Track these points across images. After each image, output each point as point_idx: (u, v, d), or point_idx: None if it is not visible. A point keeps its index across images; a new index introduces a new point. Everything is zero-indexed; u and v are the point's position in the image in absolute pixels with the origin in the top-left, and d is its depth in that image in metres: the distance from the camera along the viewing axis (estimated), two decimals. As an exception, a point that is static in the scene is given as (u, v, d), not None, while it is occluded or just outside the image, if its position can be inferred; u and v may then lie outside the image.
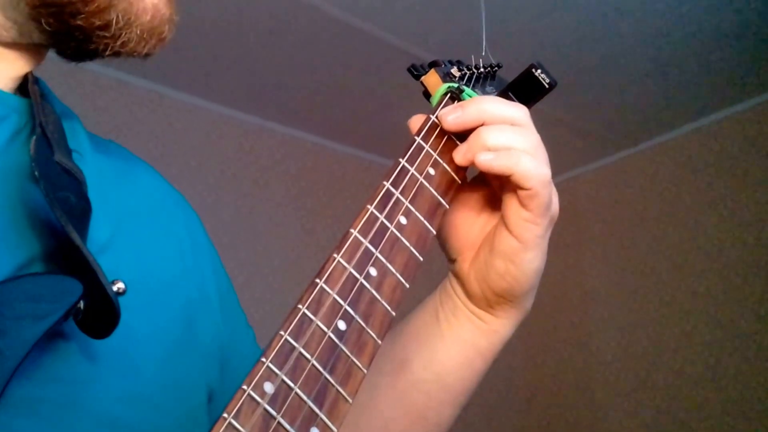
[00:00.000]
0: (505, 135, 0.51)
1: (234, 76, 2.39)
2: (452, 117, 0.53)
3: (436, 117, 0.54)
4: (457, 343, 0.57)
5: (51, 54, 0.52)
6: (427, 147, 0.52)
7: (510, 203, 0.52)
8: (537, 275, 0.53)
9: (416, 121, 0.55)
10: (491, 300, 0.55)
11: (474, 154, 0.51)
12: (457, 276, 0.57)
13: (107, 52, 0.47)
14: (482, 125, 0.52)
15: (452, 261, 0.58)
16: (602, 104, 2.49)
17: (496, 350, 0.57)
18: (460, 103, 0.55)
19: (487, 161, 0.50)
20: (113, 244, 0.48)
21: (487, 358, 0.57)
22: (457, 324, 0.57)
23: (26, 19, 0.46)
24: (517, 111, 0.54)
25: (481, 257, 0.55)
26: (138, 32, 0.47)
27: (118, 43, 0.47)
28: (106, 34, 0.46)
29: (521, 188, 0.50)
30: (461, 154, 0.53)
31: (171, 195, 0.61)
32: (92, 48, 0.47)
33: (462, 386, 0.57)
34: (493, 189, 0.56)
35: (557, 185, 0.54)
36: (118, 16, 0.46)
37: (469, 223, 0.57)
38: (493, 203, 0.56)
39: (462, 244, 0.57)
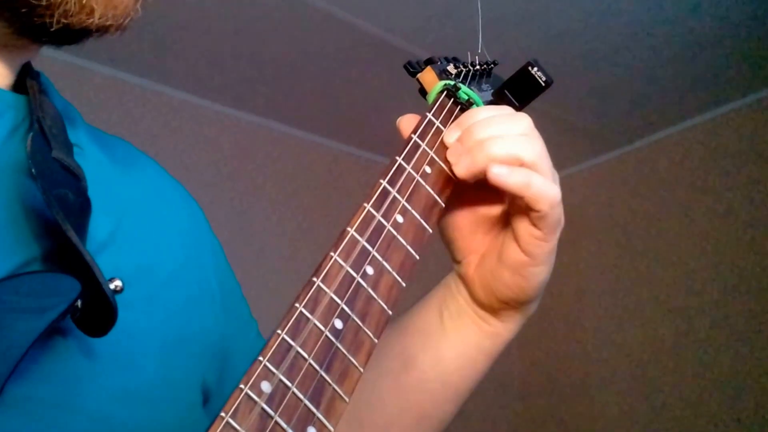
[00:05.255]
0: (511, 143, 0.50)
1: (230, 73, 2.38)
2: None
3: (442, 137, 0.53)
4: (461, 343, 0.57)
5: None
6: (423, 145, 0.52)
7: (520, 222, 0.51)
8: (543, 286, 0.54)
9: (406, 121, 0.55)
10: (496, 307, 0.56)
11: (479, 167, 0.49)
12: (463, 278, 0.57)
13: (55, 25, 0.45)
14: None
15: (458, 262, 0.58)
16: (597, 102, 2.49)
17: (499, 350, 0.58)
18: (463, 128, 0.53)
19: (502, 177, 0.48)
20: (114, 240, 0.47)
21: (490, 357, 0.58)
22: (461, 325, 0.57)
23: None
24: (522, 120, 0.52)
25: (487, 265, 0.55)
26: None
27: (60, 11, 0.45)
28: (42, 3, 0.44)
29: (532, 210, 0.50)
30: (464, 167, 0.50)
31: (174, 189, 0.61)
32: (39, 22, 0.45)
33: (465, 384, 0.58)
34: (498, 193, 0.55)
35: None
36: None
37: (474, 226, 0.57)
38: (499, 207, 0.56)
39: (467, 245, 0.57)
